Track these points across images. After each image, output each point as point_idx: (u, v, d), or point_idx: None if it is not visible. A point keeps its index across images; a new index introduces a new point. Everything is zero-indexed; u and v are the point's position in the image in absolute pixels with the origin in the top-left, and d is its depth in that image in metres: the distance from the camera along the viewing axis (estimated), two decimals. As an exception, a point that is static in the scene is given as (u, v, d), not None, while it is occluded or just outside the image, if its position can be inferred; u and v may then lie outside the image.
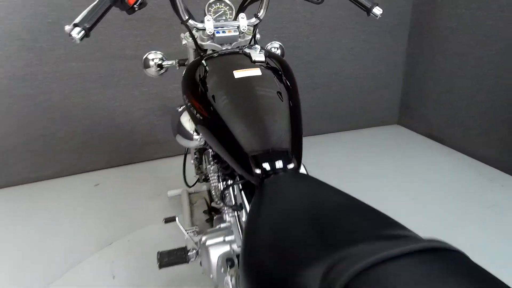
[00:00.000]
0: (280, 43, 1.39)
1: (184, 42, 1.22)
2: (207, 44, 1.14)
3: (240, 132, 0.87)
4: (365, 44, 2.78)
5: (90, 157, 2.44)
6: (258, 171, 0.82)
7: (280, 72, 1.01)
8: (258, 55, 1.01)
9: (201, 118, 0.97)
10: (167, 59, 1.35)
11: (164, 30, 2.29)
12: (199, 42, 1.15)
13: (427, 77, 2.76)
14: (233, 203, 0.99)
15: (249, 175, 0.84)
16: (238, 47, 1.20)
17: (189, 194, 2.02)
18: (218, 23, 1.13)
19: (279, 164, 0.83)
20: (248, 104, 0.90)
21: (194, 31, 1.14)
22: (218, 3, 1.17)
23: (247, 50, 1.04)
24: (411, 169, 2.37)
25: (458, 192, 2.08)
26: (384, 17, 2.72)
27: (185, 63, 1.35)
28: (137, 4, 0.94)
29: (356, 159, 2.52)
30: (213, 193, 1.26)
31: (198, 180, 1.69)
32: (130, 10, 0.94)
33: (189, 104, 1.03)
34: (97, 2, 0.89)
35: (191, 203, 2.01)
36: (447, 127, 2.64)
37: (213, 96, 0.94)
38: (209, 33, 1.10)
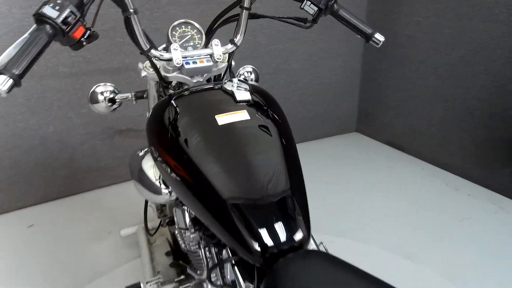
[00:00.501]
0: (253, 67, 1.20)
1: (143, 74, 0.99)
2: (173, 76, 0.92)
3: (233, 196, 0.67)
4: (323, 52, 2.68)
5: (21, 192, 2.07)
6: (260, 248, 0.63)
7: (269, 112, 0.83)
8: (242, 93, 0.81)
9: (176, 175, 0.76)
10: (121, 92, 1.11)
11: (105, 42, 2.00)
12: (162, 73, 0.92)
13: (385, 84, 2.72)
14: (222, 283, 0.78)
15: (248, 254, 0.64)
16: (214, 81, 0.99)
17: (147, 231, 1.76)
18: (187, 52, 0.91)
19: (287, 238, 0.64)
20: (240, 159, 0.71)
21: (155, 60, 0.91)
22: (184, 26, 0.96)
23: (227, 87, 0.83)
24: (375, 179, 2.30)
25: (426, 204, 2.04)
26: (340, 24, 2.63)
27: (144, 96, 1.10)
28: (86, 37, 0.71)
29: (317, 171, 2.41)
30: (192, 259, 1.03)
31: (161, 225, 1.44)
32: (77, 45, 0.71)
33: (158, 156, 0.80)
34: (29, 38, 0.64)
35: (149, 243, 1.75)
36: (407, 135, 2.62)
37: (192, 149, 0.73)
38: (177, 65, 0.88)
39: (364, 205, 2.06)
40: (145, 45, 0.87)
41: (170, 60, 0.90)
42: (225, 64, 0.96)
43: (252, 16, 0.98)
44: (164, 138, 0.80)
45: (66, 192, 2.20)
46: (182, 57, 0.90)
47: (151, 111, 0.89)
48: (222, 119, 0.76)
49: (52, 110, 1.99)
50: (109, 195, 2.23)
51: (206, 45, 0.97)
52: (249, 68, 1.19)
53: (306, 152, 2.70)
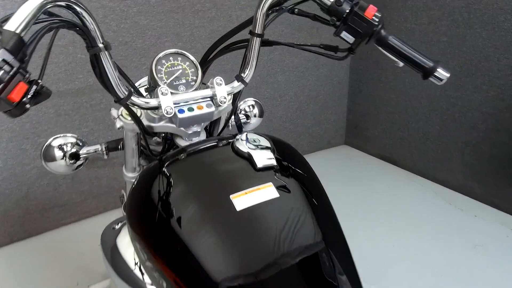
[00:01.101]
0: (256, 100, 0.96)
1: (119, 124, 0.73)
2: (161, 126, 0.67)
3: None
4: (308, 62, 2.48)
5: (-35, 242, 1.73)
6: None
7: (301, 178, 0.59)
8: (262, 155, 0.57)
9: (170, 280, 0.51)
10: (86, 144, 0.83)
11: (63, 59, 1.69)
12: (146, 123, 0.67)
13: (375, 95, 2.55)
14: None
15: None
16: (211, 128, 0.74)
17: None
18: (179, 96, 0.66)
19: None
20: (276, 268, 0.47)
21: (135, 108, 0.65)
22: (172, 58, 0.70)
23: (240, 146, 0.59)
24: (372, 199, 2.12)
25: (434, 228, 1.87)
26: (325, 32, 2.44)
27: (119, 147, 0.83)
28: (30, 97, 0.45)
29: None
30: None
31: None
32: (17, 109, 0.45)
33: (141, 246, 0.55)
34: None
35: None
36: (401, 148, 2.45)
37: (199, 251, 0.49)
38: (167, 114, 0.63)
39: (365, 231, 1.87)
40: (121, 91, 0.61)
41: (157, 108, 0.65)
42: (226, 107, 0.71)
43: (265, 43, 0.74)
44: (152, 224, 0.55)
45: (23, 235, 1.87)
46: (174, 104, 0.65)
47: (135, 181, 0.63)
48: (241, 200, 0.52)
49: (2, 143, 1.67)
50: (74, 234, 1.92)
51: (201, 81, 0.73)
52: (250, 101, 0.95)
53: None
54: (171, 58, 0.71)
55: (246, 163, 0.58)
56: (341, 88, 2.70)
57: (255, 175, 0.56)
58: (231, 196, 0.53)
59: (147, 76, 0.83)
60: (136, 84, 0.83)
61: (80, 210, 1.98)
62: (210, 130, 0.80)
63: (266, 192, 0.54)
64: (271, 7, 0.69)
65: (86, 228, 1.96)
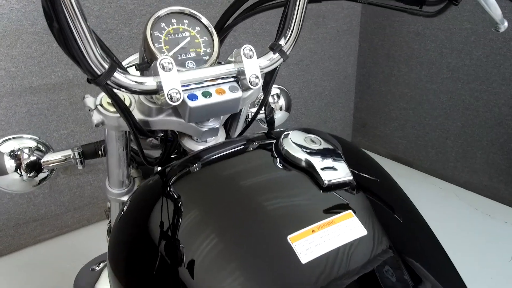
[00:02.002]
0: (282, 87, 0.73)
1: (97, 118, 0.49)
2: (160, 120, 0.44)
3: None
4: (313, 55, 2.26)
5: None
6: None
7: (394, 204, 0.36)
8: (331, 167, 0.34)
9: None
10: (51, 149, 0.60)
11: (36, 49, 1.44)
12: (139, 117, 0.44)
13: (385, 90, 2.34)
14: None
15: None
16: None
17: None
18: (188, 73, 0.43)
19: None
20: None
21: (124, 92, 0.42)
22: (175, 20, 0.47)
23: (292, 151, 0.36)
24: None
25: (462, 237, 1.67)
26: (332, 22, 2.23)
27: (99, 152, 0.59)
28: None
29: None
30: None
31: None
32: None
33: None
34: None
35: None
36: (416, 148, 2.25)
37: None
38: (173, 101, 0.39)
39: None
40: (98, 63, 0.38)
41: (155, 92, 0.41)
42: (256, 91, 0.48)
43: None
44: (148, 279, 0.31)
45: (-8, 255, 1.61)
46: (182, 85, 0.41)
47: (124, 206, 0.40)
48: (306, 244, 0.30)
49: (-39, 148, 1.41)
50: (54, 251, 1.68)
51: (218, 57, 0.50)
52: (275, 89, 0.71)
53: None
54: (173, 21, 0.48)
55: (304, 179, 0.35)
56: (348, 84, 2.49)
57: (322, 198, 0.34)
58: (289, 238, 0.30)
59: (138, 53, 0.60)
60: (124, 64, 0.59)
61: (60, 224, 1.73)
62: (227, 128, 0.57)
63: (346, 227, 0.32)
64: None
65: (67, 244, 1.72)
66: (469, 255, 1.57)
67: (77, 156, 0.58)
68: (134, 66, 0.49)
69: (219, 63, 0.54)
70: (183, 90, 0.42)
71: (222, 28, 0.57)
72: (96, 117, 0.50)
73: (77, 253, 1.66)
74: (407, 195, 0.43)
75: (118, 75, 0.39)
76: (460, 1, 0.47)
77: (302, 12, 0.50)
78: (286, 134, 0.40)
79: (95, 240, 1.73)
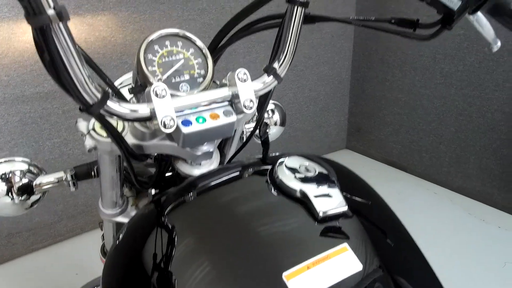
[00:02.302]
0: (277, 102, 0.73)
1: (89, 143, 0.48)
2: (153, 145, 0.43)
3: None
4: (308, 60, 2.26)
5: None
6: None
7: (389, 234, 0.36)
8: (326, 197, 0.34)
9: None
10: (43, 171, 0.59)
11: (29, 57, 1.43)
12: (131, 141, 0.43)
13: (379, 96, 2.35)
14: None
15: None
16: (247, 162, 0.49)
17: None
18: (183, 100, 0.43)
19: None
20: None
21: (115, 120, 0.42)
22: (169, 43, 0.47)
23: (286, 180, 0.36)
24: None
25: (454, 241, 1.67)
26: (326, 27, 2.23)
27: (92, 173, 0.58)
28: None
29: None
30: None
31: None
32: None
33: None
34: None
35: None
36: (410, 153, 2.26)
37: None
38: (167, 129, 0.39)
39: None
40: (90, 92, 0.37)
41: (148, 119, 0.41)
42: (251, 114, 0.47)
43: (308, 19, 0.51)
44: None
45: (-16, 265, 1.59)
46: (176, 111, 0.41)
47: (120, 235, 0.40)
48: (301, 282, 0.29)
49: (-48, 158, 1.39)
50: (47, 260, 1.66)
51: (212, 78, 0.49)
52: (270, 104, 0.71)
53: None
54: (167, 43, 0.47)
55: (298, 210, 0.35)
56: (342, 88, 2.49)
57: (317, 230, 0.33)
58: (285, 275, 0.30)
59: (132, 72, 0.59)
60: (116, 84, 0.59)
61: (54, 233, 1.72)
62: (221, 148, 0.56)
63: (341, 262, 0.31)
64: None
65: (61, 253, 1.70)
66: (463, 260, 1.58)
67: (69, 178, 0.58)
68: (127, 88, 0.48)
69: (214, 82, 0.54)
70: (177, 116, 0.42)
71: (216, 48, 0.57)
72: (88, 142, 0.49)
73: (71, 262, 1.65)
74: (399, 220, 0.43)
75: (111, 104, 0.39)
76: (453, 26, 0.47)
77: (296, 34, 0.50)
78: (281, 161, 0.40)
79: (88, 248, 1.72)
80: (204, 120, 0.43)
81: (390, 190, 2.13)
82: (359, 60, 2.42)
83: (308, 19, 0.49)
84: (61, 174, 0.58)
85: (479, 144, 1.91)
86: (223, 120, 0.44)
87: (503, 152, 1.83)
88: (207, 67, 0.48)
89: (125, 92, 0.54)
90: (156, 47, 0.47)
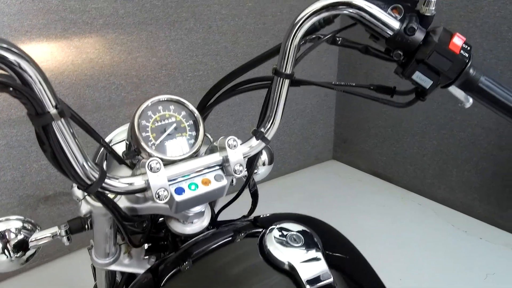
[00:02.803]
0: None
1: (85, 208, 0.51)
2: (147, 208, 0.46)
3: None
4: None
5: None
6: None
7: None
8: (311, 268, 0.37)
9: None
10: (38, 227, 0.60)
11: (13, 82, 1.41)
12: (124, 205, 0.45)
13: (364, 108, 2.40)
14: None
15: None
16: (238, 225, 0.52)
17: None
18: (176, 168, 0.45)
19: None
20: None
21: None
22: (162, 107, 0.49)
23: (274, 252, 0.38)
24: (368, 221, 1.96)
25: (437, 253, 1.72)
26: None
27: (86, 226, 0.60)
28: None
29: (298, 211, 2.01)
30: None
31: None
32: None
33: None
34: None
35: None
36: (395, 164, 2.31)
37: None
38: (160, 200, 0.41)
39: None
40: (88, 174, 0.39)
41: (143, 190, 0.43)
42: (241, 174, 0.49)
43: (295, 83, 0.53)
44: None
45: (-29, 290, 1.57)
46: (169, 180, 0.43)
47: None
48: None
49: None
50: (34, 281, 1.64)
51: (203, 139, 0.51)
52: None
53: (281, 190, 2.29)
54: (160, 108, 0.49)
55: (286, 281, 0.37)
56: (328, 101, 2.54)
57: None
58: None
59: (127, 129, 0.61)
60: (108, 139, 0.60)
61: (41, 254, 1.70)
62: (212, 201, 0.58)
63: None
64: (304, 35, 0.48)
65: (49, 273, 1.69)
66: (445, 272, 1.63)
67: (63, 234, 0.59)
68: (122, 152, 0.50)
69: (206, 135, 0.56)
70: (170, 184, 0.44)
71: (205, 107, 0.59)
72: (84, 208, 0.50)
73: (60, 282, 1.64)
74: (378, 276, 0.45)
75: (108, 181, 0.41)
76: (426, 98, 0.50)
77: (283, 101, 0.52)
78: (271, 228, 0.42)
79: (77, 268, 1.71)
80: (197, 186, 0.45)
81: (375, 201, 2.18)
82: (344, 74, 2.46)
83: (293, 83, 0.52)
84: (55, 229, 0.59)
85: (460, 157, 1.97)
86: (214, 185, 0.46)
87: (483, 165, 1.89)
88: (198, 129, 0.50)
89: (118, 148, 0.55)
90: (149, 112, 0.48)
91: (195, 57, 1.81)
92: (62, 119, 0.36)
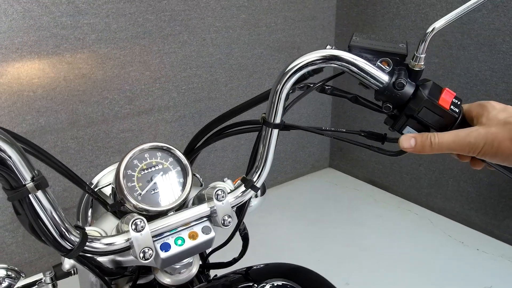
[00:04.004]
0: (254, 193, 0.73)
1: (69, 263, 0.50)
2: (132, 261, 0.45)
3: None
4: (289, 83, 2.28)
5: None
6: None
7: None
8: None
9: None
10: (23, 275, 0.59)
11: (7, 98, 1.41)
12: (110, 256, 0.44)
13: (360, 117, 2.40)
14: None
15: None
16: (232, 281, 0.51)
17: None
18: (160, 221, 0.44)
19: None
20: None
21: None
22: (148, 156, 0.48)
23: None
24: (363, 230, 1.95)
25: (434, 264, 1.72)
26: (306, 52, 2.26)
27: (72, 272, 0.58)
28: None
29: (294, 222, 2.00)
30: None
31: None
32: None
33: None
34: None
35: None
36: (391, 173, 2.31)
37: None
38: (145, 259, 0.40)
39: (356, 271, 1.69)
40: (68, 240, 0.39)
41: (127, 249, 0.42)
42: (230, 224, 0.48)
43: (284, 128, 0.52)
44: None
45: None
46: (154, 236, 0.42)
47: None
48: None
49: None
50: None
51: (190, 189, 0.50)
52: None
53: (278, 199, 2.28)
54: (146, 156, 0.48)
55: None
56: (324, 110, 2.53)
57: None
58: None
59: (108, 168, 0.59)
60: (95, 180, 0.59)
61: (34, 271, 1.68)
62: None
63: None
64: (294, 84, 0.47)
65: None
66: (442, 284, 1.62)
67: (48, 281, 0.58)
68: (108, 206, 0.48)
69: (194, 175, 0.55)
70: (154, 240, 0.43)
71: (193, 150, 0.58)
72: (67, 263, 0.49)
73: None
74: None
75: (89, 243, 0.40)
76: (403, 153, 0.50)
77: (274, 146, 0.51)
78: (262, 286, 0.41)
79: (70, 285, 1.70)
80: (183, 241, 0.44)
81: (372, 211, 2.17)
82: (340, 82, 2.45)
83: (283, 127, 0.51)
84: (40, 276, 0.58)
85: (456, 168, 1.97)
86: (201, 238, 0.45)
87: (479, 176, 1.89)
88: (186, 176, 0.49)
89: (106, 190, 0.54)
90: (135, 161, 0.47)
91: (189, 70, 1.80)
92: (40, 191, 0.35)
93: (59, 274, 0.57)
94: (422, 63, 0.44)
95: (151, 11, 1.62)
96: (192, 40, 1.77)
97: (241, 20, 1.89)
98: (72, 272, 0.58)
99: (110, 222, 0.49)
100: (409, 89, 0.44)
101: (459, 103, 0.44)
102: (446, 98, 0.43)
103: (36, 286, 0.58)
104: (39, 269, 1.70)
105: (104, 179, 0.58)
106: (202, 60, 1.83)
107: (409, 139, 0.44)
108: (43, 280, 0.57)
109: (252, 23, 1.94)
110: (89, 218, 0.57)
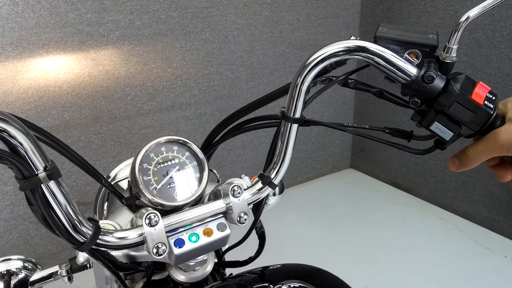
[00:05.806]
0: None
1: (83, 257, 0.51)
2: (146, 256, 0.44)
3: None
4: (311, 82, 2.25)
5: None
6: None
7: None
8: None
9: None
10: (40, 267, 0.60)
11: (33, 93, 1.44)
12: (124, 252, 0.44)
13: (383, 117, 2.34)
14: None
15: None
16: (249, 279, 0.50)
17: None
18: (176, 217, 0.43)
19: None
20: None
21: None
22: (165, 149, 0.47)
23: None
24: (386, 235, 1.90)
25: (460, 272, 1.65)
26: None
27: (88, 265, 0.59)
28: None
29: (313, 223, 1.97)
30: None
31: None
32: None
33: None
34: None
35: None
36: (415, 175, 2.24)
37: None
38: (158, 255, 0.39)
39: (378, 277, 1.65)
40: (81, 232, 0.38)
41: (141, 244, 0.41)
42: (246, 222, 0.47)
43: (304, 123, 0.50)
44: None
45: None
46: (168, 232, 0.41)
47: None
48: None
49: (-42, 196, 1.41)
50: (52, 291, 1.66)
51: (207, 184, 0.49)
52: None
53: (297, 199, 2.26)
54: (163, 149, 0.47)
55: None
56: (346, 109, 2.48)
57: None
58: None
59: (126, 162, 0.59)
60: (112, 174, 0.59)
61: (57, 262, 1.72)
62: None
63: None
64: (314, 77, 0.45)
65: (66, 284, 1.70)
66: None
67: (64, 273, 0.58)
68: (123, 200, 0.48)
69: (211, 171, 0.54)
70: (169, 236, 0.42)
71: (210, 144, 0.57)
72: (82, 256, 0.49)
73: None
74: None
75: (102, 237, 0.39)
76: (446, 147, 0.46)
77: (292, 142, 0.49)
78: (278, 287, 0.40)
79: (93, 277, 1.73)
80: (198, 238, 0.43)
81: (394, 214, 2.12)
82: (364, 79, 2.40)
83: (303, 123, 0.49)
84: (56, 268, 0.58)
85: (484, 171, 1.89)
86: (216, 235, 0.44)
87: (509, 180, 1.81)
88: (203, 171, 0.48)
89: (123, 184, 0.54)
90: (152, 155, 0.47)
91: (210, 67, 1.80)
92: (53, 182, 0.35)
93: (74, 267, 0.57)
94: (454, 55, 0.41)
95: (174, 8, 1.62)
96: (214, 38, 1.77)
97: (263, 17, 1.88)
98: (88, 265, 0.58)
99: (125, 216, 0.49)
100: (439, 83, 0.41)
101: (494, 98, 0.41)
102: (480, 93, 0.40)
103: (52, 279, 0.58)
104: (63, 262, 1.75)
105: (122, 173, 0.58)
106: (224, 57, 1.82)
107: (453, 160, 0.43)
108: (59, 273, 0.57)
109: (274, 21, 1.92)
110: (105, 212, 0.57)
